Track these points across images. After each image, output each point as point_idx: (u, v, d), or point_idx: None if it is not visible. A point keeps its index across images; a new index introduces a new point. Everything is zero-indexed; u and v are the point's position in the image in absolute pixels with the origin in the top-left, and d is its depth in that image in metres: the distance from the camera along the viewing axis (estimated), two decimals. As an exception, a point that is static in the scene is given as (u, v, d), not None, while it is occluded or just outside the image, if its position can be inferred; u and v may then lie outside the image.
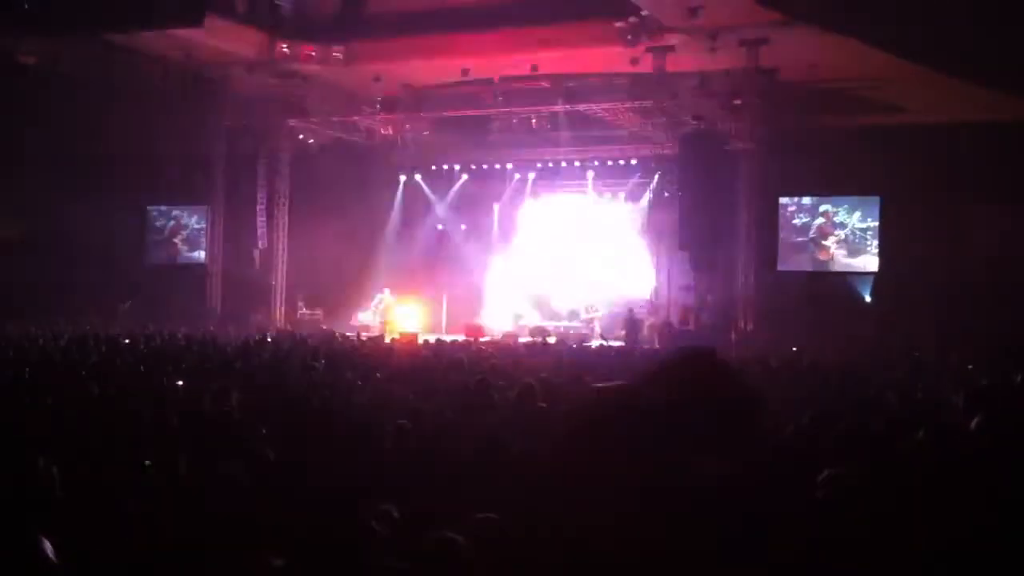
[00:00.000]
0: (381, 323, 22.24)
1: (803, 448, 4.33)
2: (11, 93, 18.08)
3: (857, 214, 20.47)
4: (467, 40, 18.33)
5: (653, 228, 22.68)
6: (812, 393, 7.53)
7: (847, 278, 20.33)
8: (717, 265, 19.17)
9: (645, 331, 19.97)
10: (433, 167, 24.96)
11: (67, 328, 15.60)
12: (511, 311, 23.42)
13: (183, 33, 16.73)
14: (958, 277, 17.91)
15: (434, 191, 25.29)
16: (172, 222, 24.64)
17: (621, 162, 22.97)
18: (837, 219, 20.63)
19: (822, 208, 20.82)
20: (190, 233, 24.24)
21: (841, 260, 20.56)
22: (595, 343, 19.33)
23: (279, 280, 22.36)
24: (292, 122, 22.23)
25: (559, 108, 20.56)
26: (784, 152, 18.52)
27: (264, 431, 5.02)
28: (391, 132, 23.05)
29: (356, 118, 22.64)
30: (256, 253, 22.52)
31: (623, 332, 19.92)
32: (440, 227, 25.48)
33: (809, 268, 20.76)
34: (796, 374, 9.95)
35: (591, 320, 22.25)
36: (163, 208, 24.46)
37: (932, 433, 4.14)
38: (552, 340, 18.49)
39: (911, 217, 19.05)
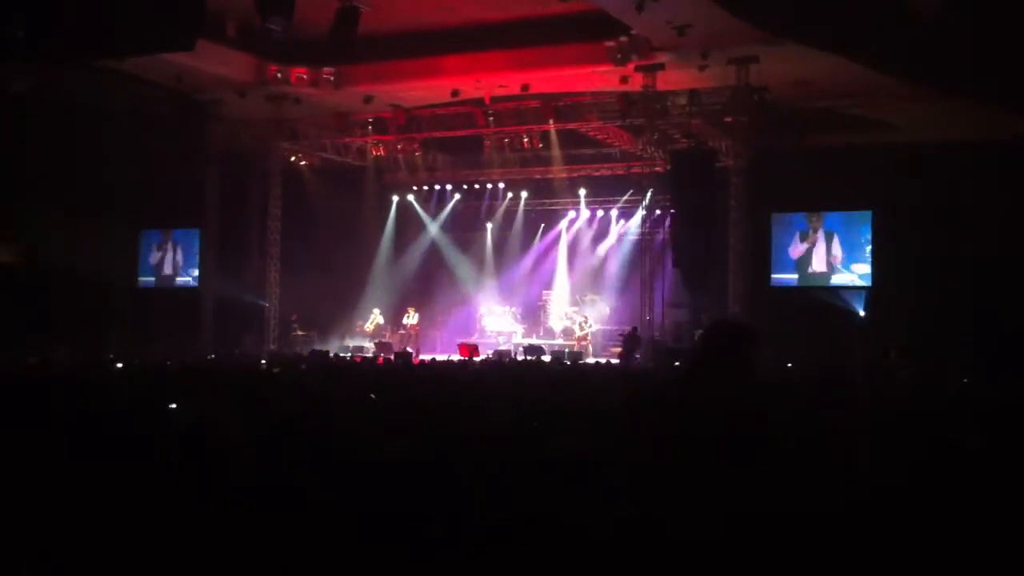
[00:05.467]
0: (375, 343, 22.24)
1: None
2: (2, 118, 18.06)
3: (850, 229, 20.52)
4: (457, 61, 18.40)
5: (645, 245, 22.75)
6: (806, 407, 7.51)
7: (840, 293, 20.36)
8: (710, 282, 19.18)
9: (642, 349, 19.98)
10: (425, 187, 25.06)
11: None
12: (505, 329, 23.44)
13: (174, 58, 16.75)
14: (951, 291, 17.95)
15: (427, 211, 25.38)
16: (164, 245, 24.61)
17: (613, 180, 23.07)
18: (829, 235, 20.67)
19: (814, 224, 20.86)
20: (182, 256, 24.21)
21: (834, 275, 20.60)
22: (591, 360, 19.34)
23: (272, 302, 22.33)
24: (284, 144, 22.29)
25: (550, 127, 20.66)
26: (775, 169, 18.60)
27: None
28: (383, 153, 23.13)
29: (348, 139, 22.72)
30: (249, 275, 22.51)
31: (620, 349, 19.92)
32: (433, 246, 25.55)
33: (802, 284, 20.78)
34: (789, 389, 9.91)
35: (584, 337, 22.27)
36: (155, 232, 24.44)
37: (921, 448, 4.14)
38: (547, 358, 18.48)
39: (903, 232, 19.10)
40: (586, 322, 22.50)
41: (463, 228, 25.49)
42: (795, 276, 20.80)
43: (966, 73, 15.33)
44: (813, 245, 20.51)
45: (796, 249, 20.52)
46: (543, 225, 24.83)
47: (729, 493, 2.88)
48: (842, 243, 20.43)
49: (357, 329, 23.48)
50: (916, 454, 3.94)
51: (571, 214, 24.27)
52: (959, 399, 6.62)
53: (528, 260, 24.86)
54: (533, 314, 24.21)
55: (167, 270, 24.48)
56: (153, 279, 24.48)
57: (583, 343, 22.11)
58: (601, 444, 3.51)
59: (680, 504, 2.88)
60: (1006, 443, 4.07)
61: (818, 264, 20.47)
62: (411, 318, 23.41)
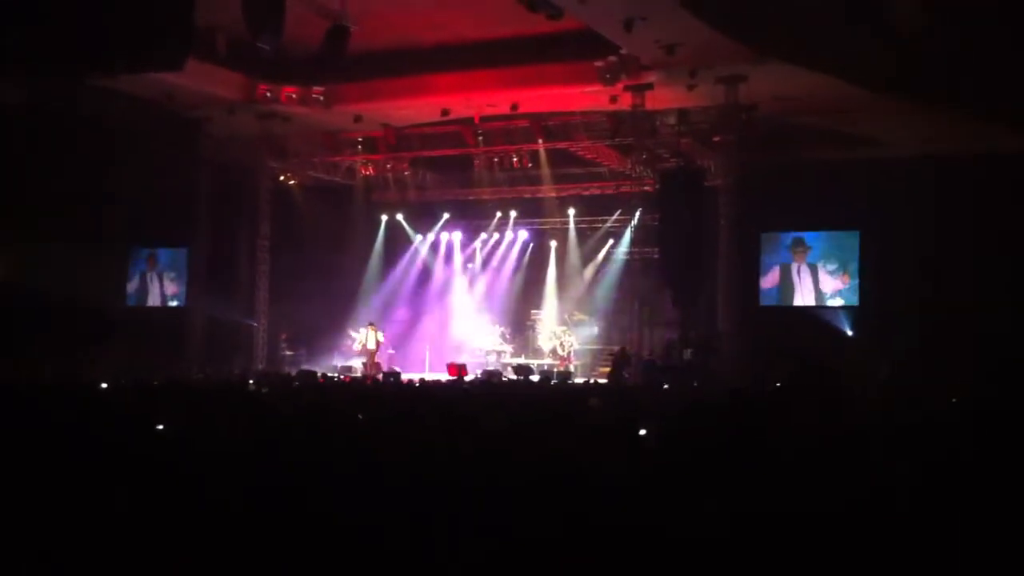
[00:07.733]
0: (364, 363, 22.14)
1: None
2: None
3: (837, 248, 20.58)
4: (447, 80, 18.47)
5: (634, 264, 22.77)
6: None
7: (828, 312, 20.39)
8: (699, 301, 19.18)
9: (631, 368, 19.93)
10: (414, 206, 25.07)
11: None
12: (494, 349, 23.37)
13: (165, 76, 16.72)
14: (939, 309, 17.99)
15: (416, 230, 25.38)
16: (153, 263, 24.50)
17: (602, 199, 23.11)
18: (818, 253, 20.73)
19: (803, 242, 20.92)
20: (171, 274, 24.10)
21: (822, 294, 20.63)
22: (579, 379, 19.28)
23: (260, 321, 22.24)
24: (273, 163, 22.25)
25: (539, 146, 20.69)
26: (764, 187, 18.64)
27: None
28: (372, 172, 23.12)
29: (337, 158, 22.71)
30: (237, 294, 22.40)
31: (608, 368, 19.89)
32: (422, 265, 25.51)
33: (790, 303, 20.81)
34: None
35: (567, 356, 22.25)
36: (144, 249, 24.33)
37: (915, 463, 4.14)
38: (535, 378, 18.45)
39: (891, 250, 19.16)
40: (569, 341, 22.50)
41: (452, 247, 25.49)
42: (783, 296, 20.85)
43: (951, 86, 15.46)
44: (798, 280, 20.57)
45: (769, 279, 20.71)
46: (532, 244, 24.83)
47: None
48: (827, 266, 20.44)
49: (346, 348, 23.38)
50: (914, 462, 3.94)
51: (560, 232, 24.30)
52: (954, 409, 6.64)
53: (517, 279, 24.84)
54: (522, 333, 24.18)
55: (155, 289, 24.36)
56: (141, 298, 24.34)
57: (566, 362, 22.10)
58: (597, 448, 3.50)
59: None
60: (1002, 451, 4.07)
61: (805, 298, 20.51)
62: (368, 338, 22.07)
